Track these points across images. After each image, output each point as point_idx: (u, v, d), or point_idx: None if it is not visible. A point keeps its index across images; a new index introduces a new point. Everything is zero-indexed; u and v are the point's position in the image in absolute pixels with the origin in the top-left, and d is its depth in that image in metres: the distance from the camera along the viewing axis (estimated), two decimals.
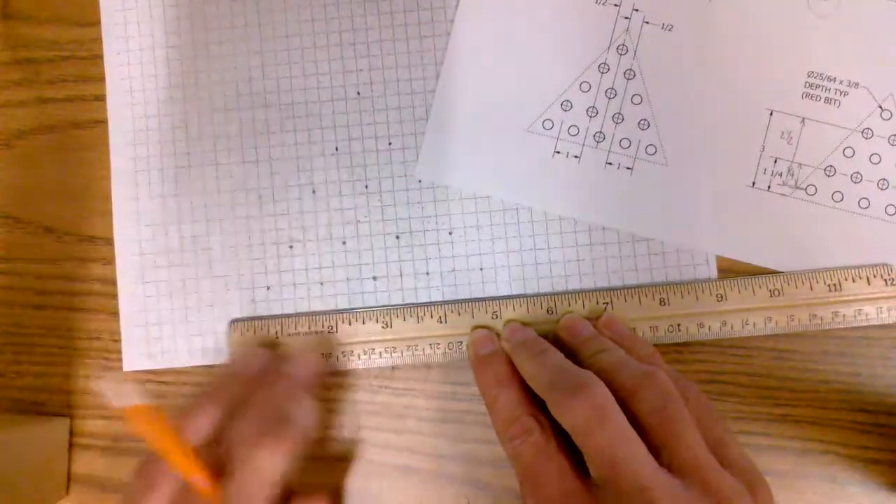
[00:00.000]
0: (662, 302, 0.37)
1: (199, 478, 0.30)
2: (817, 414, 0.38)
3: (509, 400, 0.33)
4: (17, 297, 0.41)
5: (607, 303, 0.38)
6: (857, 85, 0.38)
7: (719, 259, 0.38)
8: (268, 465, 0.31)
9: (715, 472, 0.28)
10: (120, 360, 0.40)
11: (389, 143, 0.40)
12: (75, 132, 0.41)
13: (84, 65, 0.41)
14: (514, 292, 0.39)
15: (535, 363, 0.33)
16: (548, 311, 0.38)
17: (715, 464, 0.28)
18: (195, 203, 0.40)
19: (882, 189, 0.38)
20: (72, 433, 0.40)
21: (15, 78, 0.41)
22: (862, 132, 0.38)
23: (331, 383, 0.39)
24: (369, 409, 0.39)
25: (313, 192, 0.40)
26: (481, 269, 0.39)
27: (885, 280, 0.37)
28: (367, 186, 0.39)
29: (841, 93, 0.38)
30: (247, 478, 0.30)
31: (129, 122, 0.40)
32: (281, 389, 0.34)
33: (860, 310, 0.37)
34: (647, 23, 0.38)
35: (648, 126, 0.38)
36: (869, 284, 0.37)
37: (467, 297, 0.39)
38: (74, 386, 0.40)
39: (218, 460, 0.31)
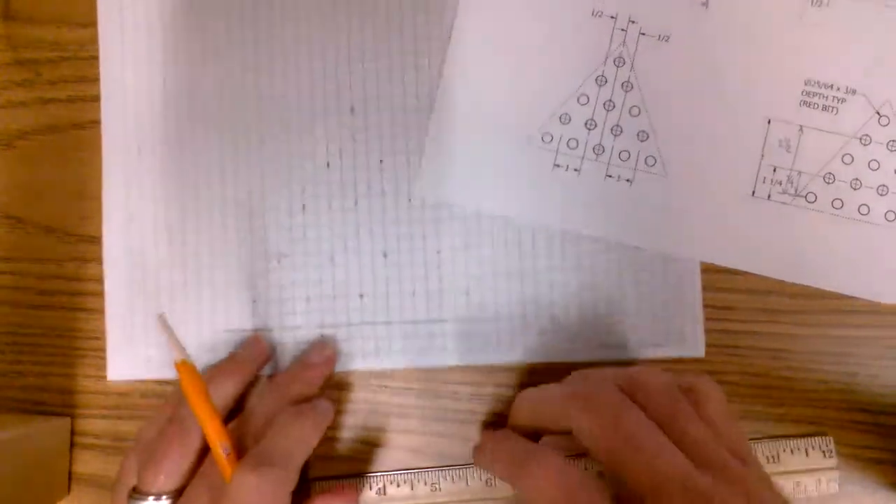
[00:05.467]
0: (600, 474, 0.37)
1: (226, 445, 0.32)
2: (816, 414, 0.38)
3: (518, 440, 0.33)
4: (18, 297, 0.40)
5: None
6: (854, 92, 0.38)
7: (720, 269, 0.38)
8: (309, 435, 0.34)
9: (733, 464, 0.29)
10: None
11: (381, 161, 0.39)
12: (76, 132, 0.41)
13: (85, 65, 0.41)
14: (501, 316, 0.38)
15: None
16: None
17: (728, 456, 0.29)
18: (186, 213, 0.40)
19: (882, 195, 0.38)
20: (73, 433, 0.40)
21: (16, 79, 0.41)
22: (860, 139, 0.38)
23: (331, 382, 0.39)
24: (369, 409, 0.39)
25: (303, 206, 0.39)
26: (467, 291, 0.39)
27: (824, 452, 0.37)
28: (356, 203, 0.39)
29: (838, 100, 0.38)
30: (288, 442, 0.33)
31: (122, 132, 0.40)
32: (301, 380, 0.37)
33: (799, 482, 0.37)
34: (644, 34, 0.38)
35: (647, 138, 0.38)
36: (807, 456, 0.37)
37: (452, 317, 0.39)
38: (76, 386, 0.40)
39: (233, 436, 0.34)
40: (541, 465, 0.30)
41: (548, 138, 0.39)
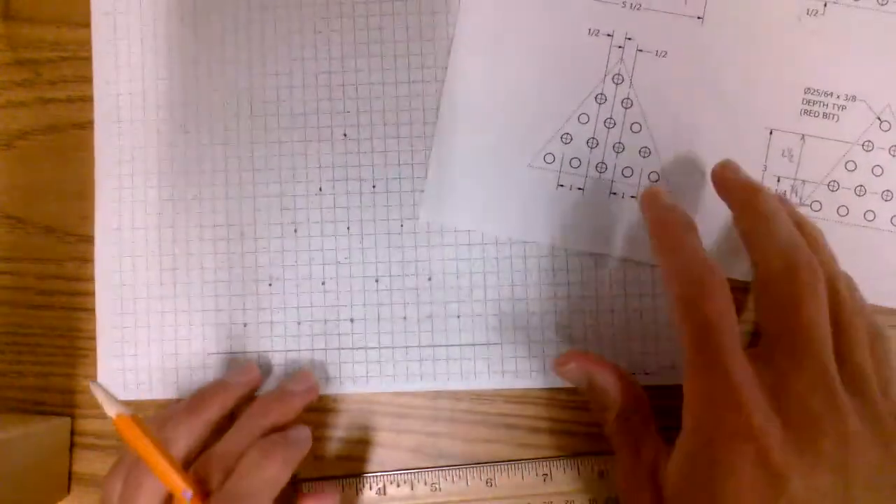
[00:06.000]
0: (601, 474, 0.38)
1: (187, 491, 0.31)
2: None
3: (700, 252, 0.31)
4: (18, 297, 0.40)
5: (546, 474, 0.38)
6: (854, 98, 0.38)
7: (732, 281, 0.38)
8: (277, 474, 0.32)
9: (883, 406, 0.29)
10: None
11: (373, 186, 0.39)
12: (77, 132, 0.41)
13: (85, 65, 0.41)
14: (492, 342, 0.38)
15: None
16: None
17: (881, 397, 0.29)
18: (177, 236, 0.40)
19: (886, 200, 0.38)
20: (73, 433, 0.40)
21: (16, 78, 0.41)
22: (862, 145, 0.38)
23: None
24: (369, 409, 0.39)
25: (295, 231, 0.39)
26: (458, 316, 0.39)
27: None
28: (348, 228, 0.39)
29: (839, 107, 0.38)
30: (255, 483, 0.31)
31: (116, 152, 0.40)
32: (277, 409, 0.35)
33: None
34: (641, 51, 0.38)
35: (649, 154, 0.38)
36: None
37: (444, 342, 0.38)
38: (76, 386, 0.40)
39: (201, 473, 0.32)
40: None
41: (550, 159, 0.38)
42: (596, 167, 0.38)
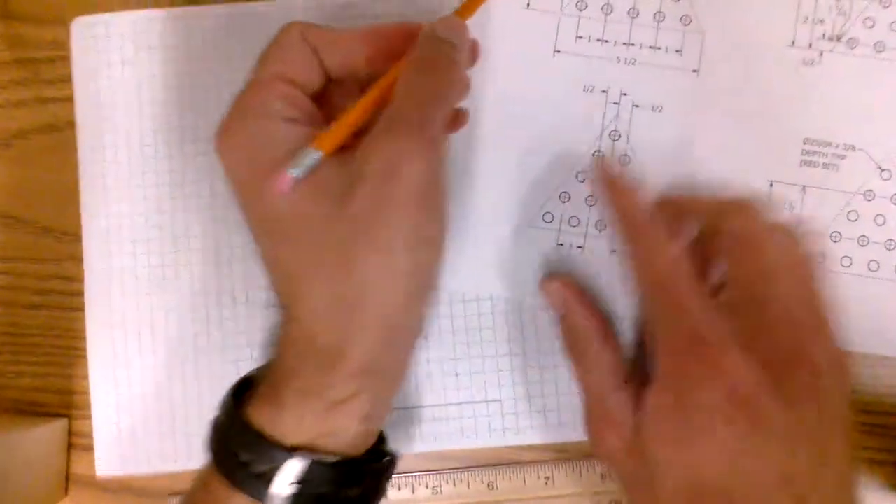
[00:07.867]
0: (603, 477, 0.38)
1: None
2: None
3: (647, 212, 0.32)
4: (16, 297, 0.41)
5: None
6: (853, 147, 0.37)
7: None
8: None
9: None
10: None
11: None
12: (75, 132, 0.40)
13: None
14: (490, 398, 0.38)
15: None
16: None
17: None
18: (169, 310, 0.39)
19: (889, 250, 0.37)
20: (70, 433, 0.40)
21: (15, 77, 0.41)
22: (864, 194, 0.37)
23: None
24: None
25: None
26: (457, 374, 0.38)
27: None
28: None
29: (838, 157, 0.37)
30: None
31: (100, 154, 0.39)
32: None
33: None
34: (637, 106, 0.38)
35: None
36: None
37: (442, 402, 0.38)
38: (73, 386, 0.40)
39: None
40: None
41: (549, 218, 0.38)
42: (595, 225, 0.38)
